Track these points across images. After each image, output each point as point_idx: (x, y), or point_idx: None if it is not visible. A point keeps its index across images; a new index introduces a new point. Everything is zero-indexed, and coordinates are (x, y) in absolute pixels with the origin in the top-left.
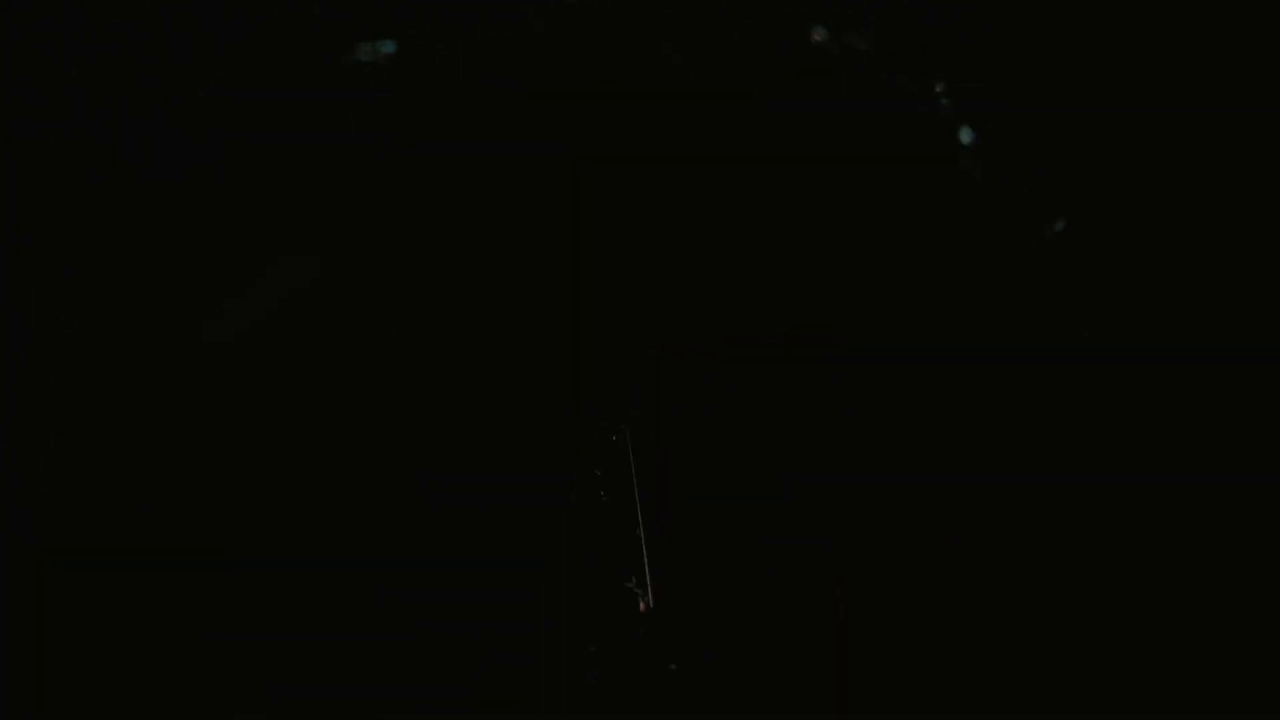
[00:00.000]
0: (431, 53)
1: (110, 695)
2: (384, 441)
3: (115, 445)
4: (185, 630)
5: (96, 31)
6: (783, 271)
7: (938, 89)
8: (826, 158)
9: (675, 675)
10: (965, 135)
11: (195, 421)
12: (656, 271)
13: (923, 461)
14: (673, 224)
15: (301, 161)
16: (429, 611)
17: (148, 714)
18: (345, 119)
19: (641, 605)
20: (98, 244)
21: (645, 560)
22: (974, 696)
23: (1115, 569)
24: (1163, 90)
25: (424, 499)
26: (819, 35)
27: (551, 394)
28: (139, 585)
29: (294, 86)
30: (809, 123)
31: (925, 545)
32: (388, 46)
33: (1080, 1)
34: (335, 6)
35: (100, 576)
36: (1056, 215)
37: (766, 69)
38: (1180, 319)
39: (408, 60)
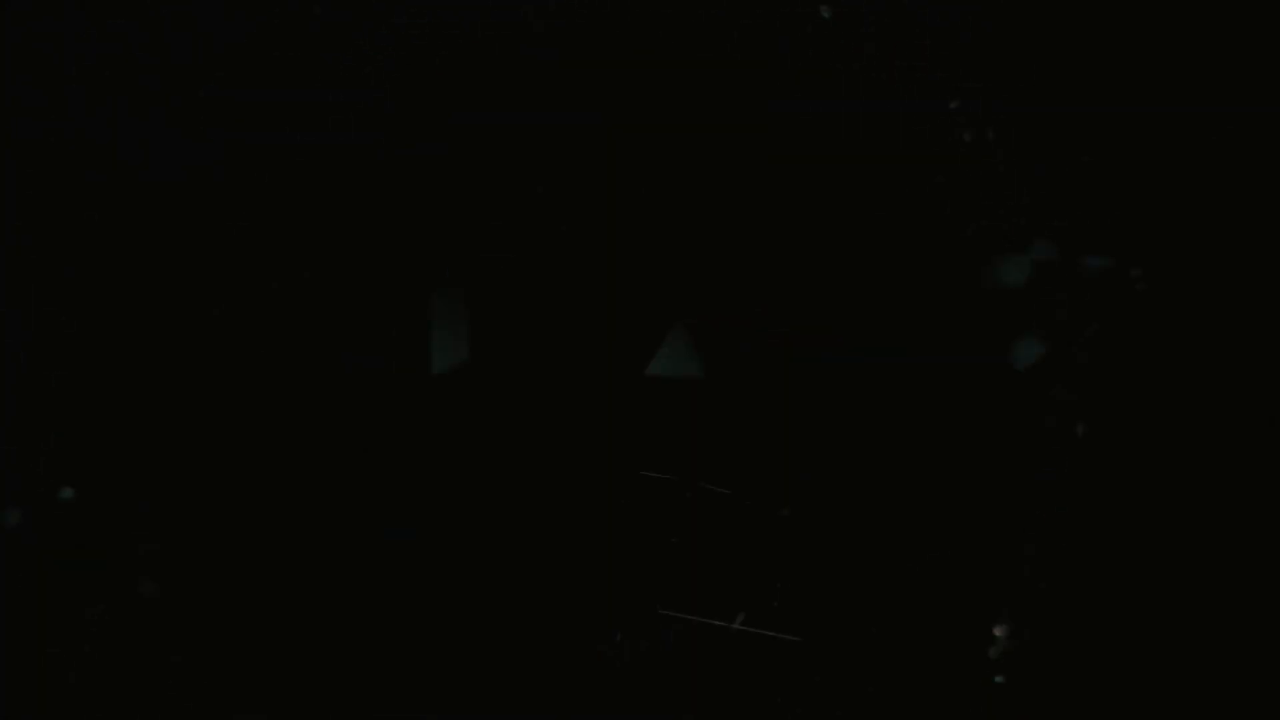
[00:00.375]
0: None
1: (110, 695)
2: (405, 421)
3: (115, 445)
4: (185, 630)
5: (96, 31)
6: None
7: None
8: (832, 156)
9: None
10: None
11: (195, 421)
12: (694, 239)
13: (922, 460)
14: (710, 192)
15: (301, 161)
16: (431, 612)
17: (148, 714)
18: (345, 119)
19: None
20: (98, 244)
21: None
22: (969, 694)
23: (1117, 567)
24: (1164, 90)
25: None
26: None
27: (588, 363)
28: (139, 585)
29: (294, 86)
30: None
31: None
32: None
33: (1080, 1)
34: (335, 6)
35: (100, 576)
36: (1058, 216)
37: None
38: (1181, 320)
39: (443, 31)
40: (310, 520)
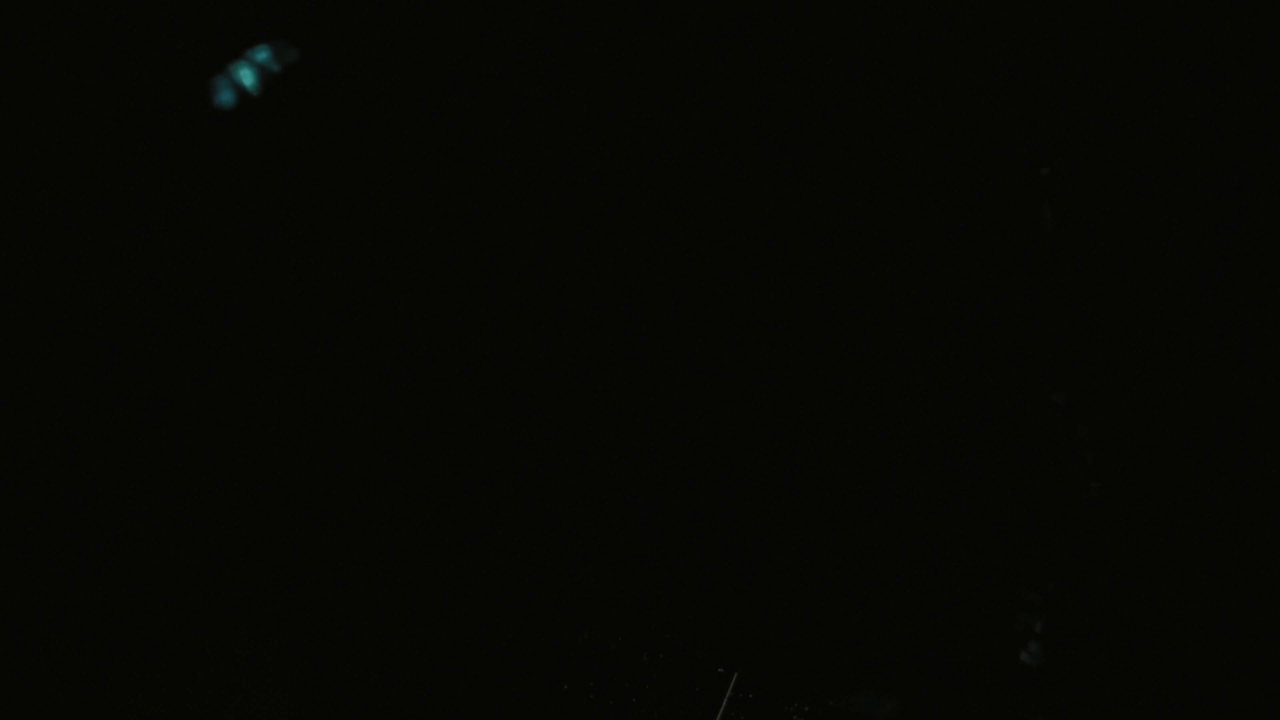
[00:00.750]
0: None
1: (110, 695)
2: (394, 432)
3: (114, 445)
4: (186, 630)
5: (96, 31)
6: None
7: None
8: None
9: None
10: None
11: (196, 420)
12: (693, 239)
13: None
14: (709, 192)
15: (301, 161)
16: (432, 614)
17: (148, 714)
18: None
19: None
20: (98, 244)
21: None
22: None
23: (1117, 568)
24: (1164, 90)
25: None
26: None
27: (587, 362)
28: (140, 585)
29: (293, 85)
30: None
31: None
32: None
33: (1080, 2)
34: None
35: (100, 576)
36: (1057, 216)
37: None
38: (1180, 320)
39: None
40: (310, 519)
